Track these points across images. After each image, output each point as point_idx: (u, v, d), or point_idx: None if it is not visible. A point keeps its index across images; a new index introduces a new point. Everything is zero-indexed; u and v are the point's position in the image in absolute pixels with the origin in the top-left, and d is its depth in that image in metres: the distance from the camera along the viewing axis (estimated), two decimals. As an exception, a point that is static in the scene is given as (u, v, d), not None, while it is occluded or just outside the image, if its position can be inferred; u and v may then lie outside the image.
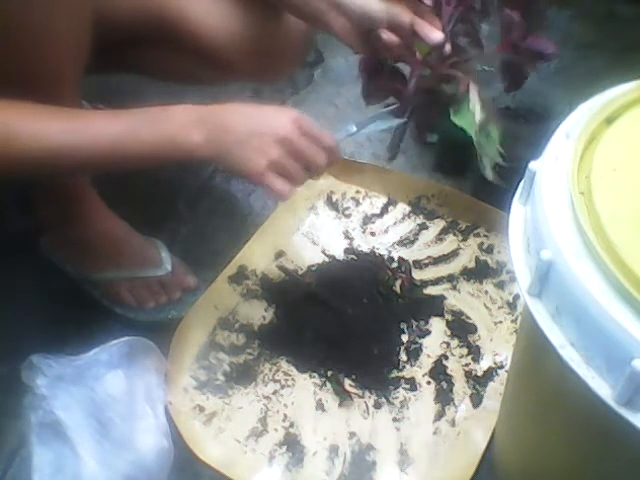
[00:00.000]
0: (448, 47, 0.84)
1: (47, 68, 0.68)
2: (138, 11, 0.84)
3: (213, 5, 0.85)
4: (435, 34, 0.79)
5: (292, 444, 0.79)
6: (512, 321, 0.90)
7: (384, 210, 1.05)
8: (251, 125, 0.70)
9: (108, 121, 0.68)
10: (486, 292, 0.93)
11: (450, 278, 0.95)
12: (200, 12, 0.85)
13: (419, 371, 0.86)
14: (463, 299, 0.93)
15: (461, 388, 0.84)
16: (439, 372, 0.85)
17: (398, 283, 0.94)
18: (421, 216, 1.03)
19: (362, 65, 0.97)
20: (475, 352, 0.87)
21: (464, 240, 1.00)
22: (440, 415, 0.81)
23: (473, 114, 0.88)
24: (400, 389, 0.84)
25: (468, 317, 0.91)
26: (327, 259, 0.98)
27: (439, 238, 1.01)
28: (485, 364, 0.86)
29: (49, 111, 0.65)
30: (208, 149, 0.69)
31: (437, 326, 0.90)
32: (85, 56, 0.71)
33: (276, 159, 0.70)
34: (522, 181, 0.53)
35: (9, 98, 0.62)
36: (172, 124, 0.68)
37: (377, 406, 0.82)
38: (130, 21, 0.84)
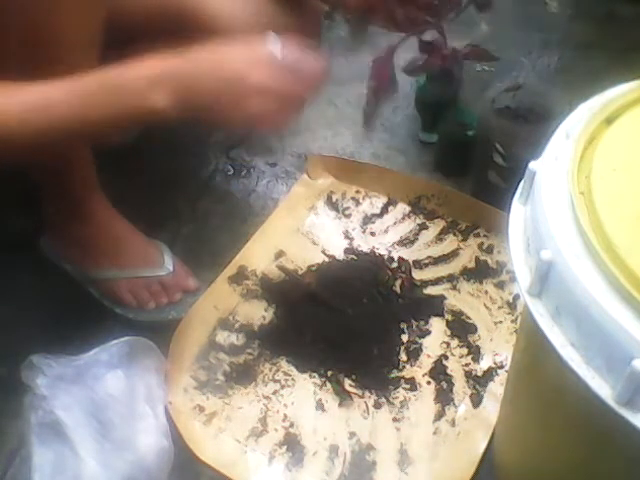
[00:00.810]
0: None
1: (60, 67, 0.69)
2: (155, 4, 0.85)
3: None
4: None
5: (292, 444, 0.79)
6: (512, 321, 0.90)
7: (384, 210, 1.05)
8: (221, 78, 0.65)
9: (66, 98, 0.63)
10: (486, 292, 0.93)
11: (450, 278, 0.95)
12: (218, 2, 0.85)
13: (419, 371, 0.86)
14: (463, 299, 0.93)
15: (461, 388, 0.84)
16: (439, 372, 0.85)
17: (398, 283, 0.94)
18: (421, 216, 1.03)
19: None
20: (475, 352, 0.87)
21: (464, 240, 1.00)
22: (440, 415, 0.81)
23: None
24: (400, 389, 0.84)
25: (468, 317, 0.91)
26: (327, 259, 0.98)
27: (439, 238, 1.01)
28: (485, 364, 0.86)
29: (9, 88, 0.62)
30: (178, 112, 0.64)
31: (437, 326, 0.90)
32: (97, 54, 0.72)
33: (256, 110, 0.65)
34: (522, 181, 0.53)
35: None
36: (131, 93, 0.63)
37: (377, 406, 0.82)
38: (146, 14, 0.85)
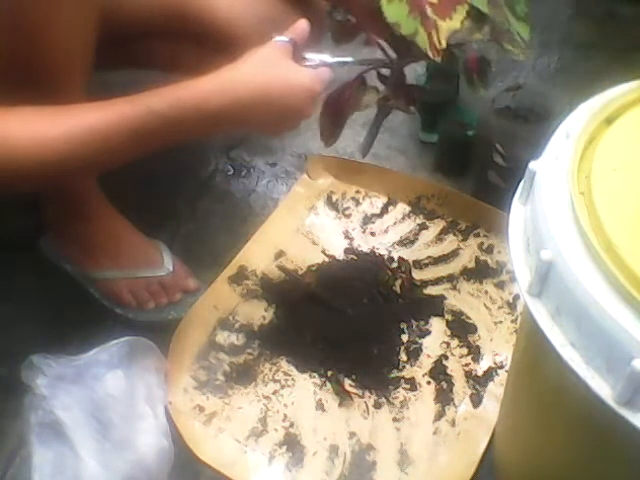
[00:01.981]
0: None
1: (54, 67, 0.69)
2: (159, 2, 0.85)
3: None
4: None
5: (292, 444, 0.79)
6: (512, 321, 0.90)
7: (384, 210, 1.05)
8: (272, 111, 0.71)
9: (117, 128, 0.65)
10: (486, 292, 0.93)
11: (450, 278, 0.95)
12: (226, 3, 0.86)
13: (419, 371, 0.86)
14: (463, 299, 0.93)
15: (461, 388, 0.84)
16: (439, 372, 0.85)
17: (398, 283, 0.94)
18: (421, 216, 1.03)
19: None
20: (475, 352, 0.87)
21: (464, 240, 1.00)
22: (440, 415, 0.81)
23: None
24: (400, 389, 0.84)
25: (468, 317, 0.91)
26: (327, 259, 0.97)
27: (439, 238, 1.01)
28: (485, 364, 0.86)
29: (50, 111, 0.63)
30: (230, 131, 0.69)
31: (437, 326, 0.90)
32: (91, 55, 0.72)
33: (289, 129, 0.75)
34: (522, 181, 0.53)
35: (15, 98, 0.62)
36: (189, 128, 0.67)
37: (377, 406, 0.82)
38: (150, 12, 0.85)
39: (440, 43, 0.70)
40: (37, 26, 0.64)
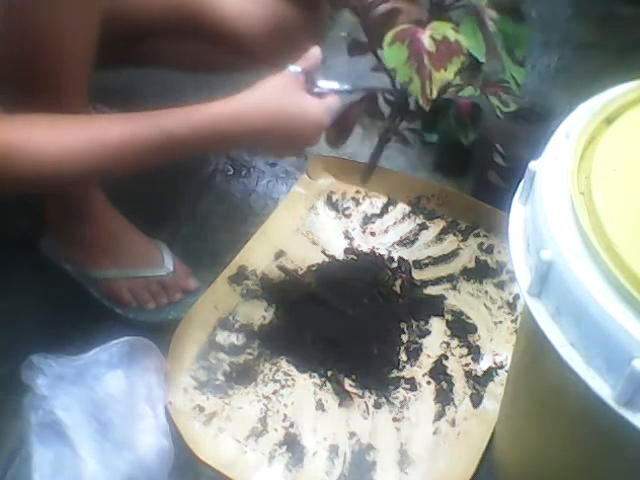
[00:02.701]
0: None
1: (56, 68, 0.69)
2: (169, 2, 0.86)
3: None
4: None
5: (292, 444, 0.79)
6: (512, 321, 0.90)
7: (384, 210, 1.05)
8: (283, 143, 0.77)
9: (131, 145, 0.68)
10: (486, 292, 0.93)
11: (450, 278, 0.95)
12: (231, 3, 0.87)
13: (419, 371, 0.86)
14: (463, 299, 0.93)
15: (461, 388, 0.84)
16: (439, 372, 0.85)
17: (398, 283, 0.94)
18: (421, 216, 1.03)
19: None
20: (475, 352, 0.87)
21: (464, 240, 1.00)
22: (440, 415, 0.81)
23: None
24: (400, 389, 0.84)
25: (468, 317, 0.91)
26: (327, 259, 0.98)
27: (439, 238, 1.01)
28: (485, 364, 0.86)
29: (67, 122, 0.66)
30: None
31: (437, 326, 0.90)
32: (93, 55, 0.72)
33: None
34: (522, 181, 0.53)
35: (17, 97, 0.62)
36: (199, 148, 0.72)
37: (377, 406, 0.82)
38: (161, 12, 0.86)
39: (432, 93, 0.71)
40: (39, 25, 0.65)
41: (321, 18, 0.93)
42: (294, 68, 0.76)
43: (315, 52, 0.78)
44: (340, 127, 0.84)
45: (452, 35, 0.72)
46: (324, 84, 0.79)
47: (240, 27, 0.87)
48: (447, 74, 0.71)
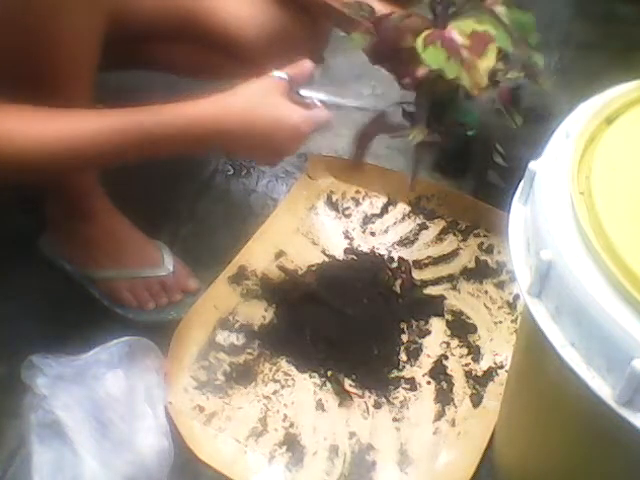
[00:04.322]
0: None
1: (62, 68, 0.69)
2: (166, 7, 0.86)
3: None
4: None
5: (292, 444, 0.79)
6: (512, 321, 0.90)
7: (384, 210, 1.05)
8: (258, 150, 0.76)
9: (107, 136, 0.68)
10: (486, 292, 0.93)
11: (450, 278, 0.95)
12: (229, 5, 0.87)
13: (419, 371, 0.86)
14: (463, 299, 0.93)
15: (461, 388, 0.84)
16: (439, 372, 0.85)
17: (398, 283, 0.94)
18: (421, 216, 1.03)
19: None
20: (475, 352, 0.87)
21: (464, 240, 1.00)
22: (440, 415, 0.81)
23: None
24: (400, 389, 0.84)
25: (468, 317, 0.91)
26: (327, 259, 0.97)
27: (439, 238, 1.01)
28: (485, 364, 0.86)
29: (47, 113, 0.66)
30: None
31: (437, 326, 0.90)
32: (97, 56, 0.72)
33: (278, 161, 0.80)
34: (522, 181, 0.53)
35: (21, 94, 0.63)
36: (173, 146, 0.71)
37: (377, 406, 0.82)
38: (158, 16, 0.86)
39: (482, 81, 0.74)
40: (42, 21, 0.65)
41: (321, 32, 0.93)
42: (278, 73, 0.75)
43: (305, 62, 0.77)
44: (357, 146, 0.88)
45: (478, 27, 0.75)
46: (310, 94, 0.77)
47: (237, 33, 0.86)
48: (489, 61, 0.74)
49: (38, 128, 0.65)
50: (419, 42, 0.74)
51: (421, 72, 0.76)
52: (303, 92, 0.77)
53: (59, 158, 0.66)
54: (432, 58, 0.74)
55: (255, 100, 0.73)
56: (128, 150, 0.68)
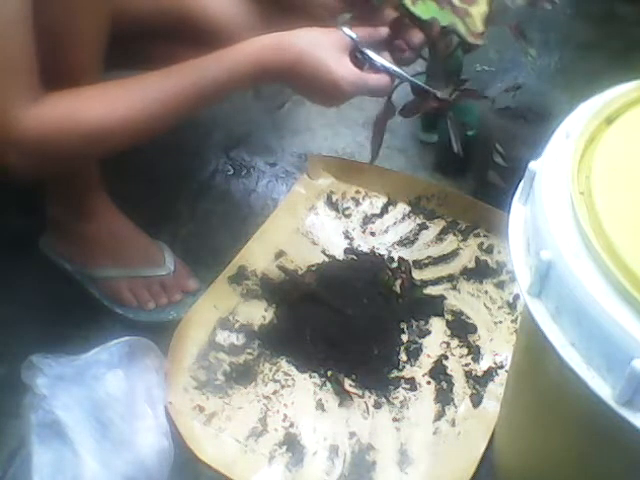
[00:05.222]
0: None
1: (69, 65, 0.71)
2: (157, 6, 0.86)
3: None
4: None
5: (292, 444, 0.79)
6: (512, 321, 0.90)
7: (384, 210, 1.05)
8: (306, 91, 0.77)
9: (181, 84, 0.73)
10: (486, 292, 0.93)
11: (450, 278, 0.95)
12: (220, 6, 0.87)
13: (419, 371, 0.86)
14: (463, 299, 0.93)
15: (461, 388, 0.84)
16: (439, 372, 0.85)
17: (398, 283, 0.94)
18: (421, 216, 1.03)
19: None
20: (475, 352, 0.87)
21: (464, 240, 1.00)
22: (440, 415, 0.81)
23: None
24: (400, 389, 0.84)
25: (468, 317, 0.91)
26: (327, 259, 0.97)
27: (439, 238, 1.01)
28: (485, 364, 0.86)
29: (112, 86, 0.71)
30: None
31: (437, 326, 0.90)
32: (102, 53, 0.74)
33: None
34: (522, 181, 0.53)
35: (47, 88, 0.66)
36: (236, 82, 0.74)
37: (377, 406, 0.82)
38: (148, 16, 0.86)
39: (478, 27, 0.74)
40: (56, 21, 0.67)
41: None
42: (348, 32, 0.75)
43: (381, 29, 0.77)
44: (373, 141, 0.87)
45: None
46: (371, 55, 0.76)
47: (228, 31, 0.86)
48: (482, 6, 0.74)
49: (136, 95, 0.71)
50: (407, 1, 0.74)
51: (435, 29, 0.75)
52: (370, 54, 0.76)
53: (134, 124, 0.71)
54: (423, 10, 0.74)
55: (314, 45, 0.73)
56: (208, 96, 0.74)
